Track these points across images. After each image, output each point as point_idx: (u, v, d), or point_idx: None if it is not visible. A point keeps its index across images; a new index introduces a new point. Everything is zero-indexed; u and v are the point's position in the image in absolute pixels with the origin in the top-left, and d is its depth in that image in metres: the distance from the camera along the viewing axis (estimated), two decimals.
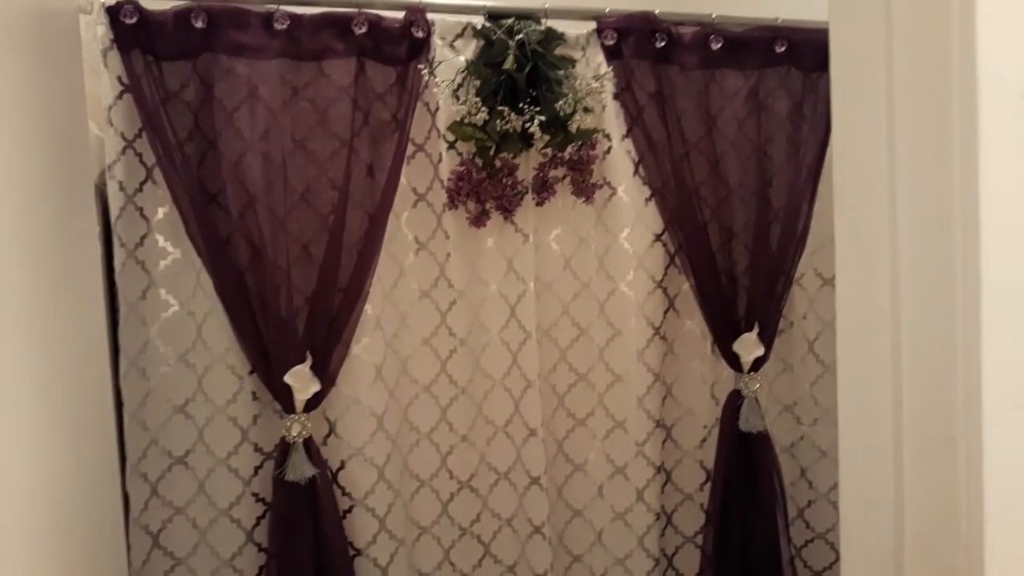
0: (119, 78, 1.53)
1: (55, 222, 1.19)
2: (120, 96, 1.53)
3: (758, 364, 1.87)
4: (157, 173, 1.56)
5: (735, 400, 1.88)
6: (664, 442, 1.90)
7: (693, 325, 1.90)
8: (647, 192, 1.82)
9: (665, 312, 1.88)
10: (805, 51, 1.85)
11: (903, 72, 0.77)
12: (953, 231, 0.74)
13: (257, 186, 1.57)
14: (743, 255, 1.89)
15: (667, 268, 1.87)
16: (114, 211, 1.55)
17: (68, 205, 1.28)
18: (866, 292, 0.84)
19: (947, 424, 0.72)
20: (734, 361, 1.87)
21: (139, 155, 1.57)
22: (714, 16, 1.84)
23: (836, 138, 0.86)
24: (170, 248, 1.60)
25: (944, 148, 0.73)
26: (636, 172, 1.81)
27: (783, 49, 1.85)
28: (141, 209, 1.57)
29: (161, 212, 1.59)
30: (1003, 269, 0.70)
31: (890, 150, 0.80)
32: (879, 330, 0.82)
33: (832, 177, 0.89)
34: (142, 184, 1.57)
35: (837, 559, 1.93)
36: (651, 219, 1.82)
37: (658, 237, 1.84)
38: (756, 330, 1.85)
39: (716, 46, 1.83)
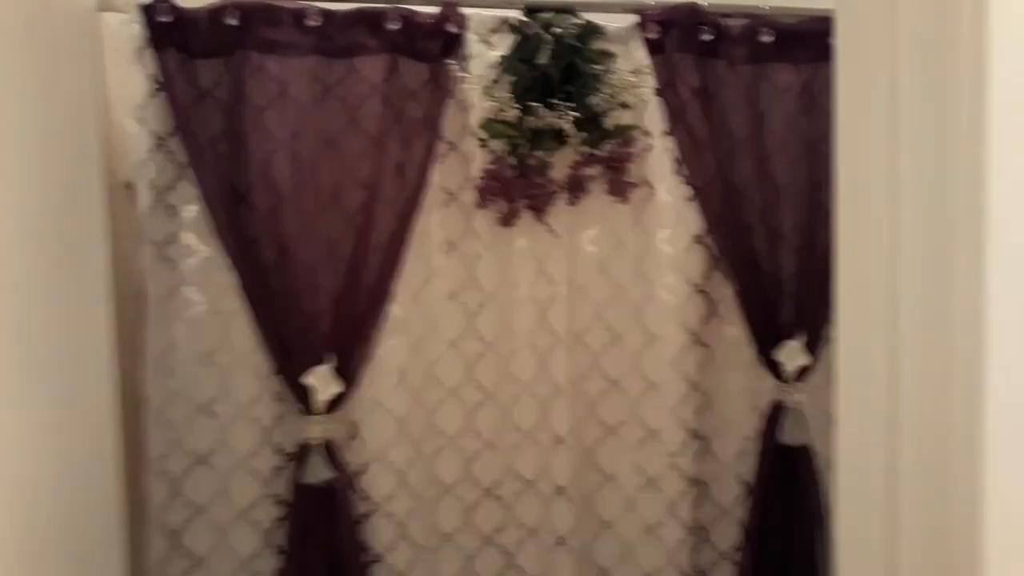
0: (153, 76, 1.53)
1: (50, 218, 1.19)
2: (153, 94, 1.53)
3: (803, 374, 1.78)
4: (188, 172, 1.56)
5: (777, 411, 1.79)
6: (701, 454, 1.82)
7: (735, 332, 1.81)
8: (689, 192, 1.74)
9: (706, 318, 1.80)
10: None
11: (909, 76, 0.73)
12: (955, 241, 0.70)
13: (286, 185, 1.57)
14: (791, 259, 1.79)
15: (710, 272, 1.79)
16: (143, 209, 1.56)
17: (69, 201, 1.28)
18: (864, 295, 0.83)
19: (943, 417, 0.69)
20: (776, 370, 1.78)
21: (171, 153, 1.57)
22: (767, 7, 1.74)
23: (840, 142, 0.84)
24: (199, 246, 1.60)
25: (950, 154, 0.69)
26: (677, 171, 1.73)
27: None
28: (172, 207, 1.58)
29: (191, 210, 1.59)
30: (1007, 274, 0.65)
31: (892, 153, 0.78)
32: (877, 330, 0.83)
33: None
34: (174, 182, 1.58)
35: None
36: (691, 220, 1.74)
37: (699, 239, 1.76)
38: (802, 338, 1.76)
39: (766, 39, 1.74)
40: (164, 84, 1.54)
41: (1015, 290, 0.69)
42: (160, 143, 1.56)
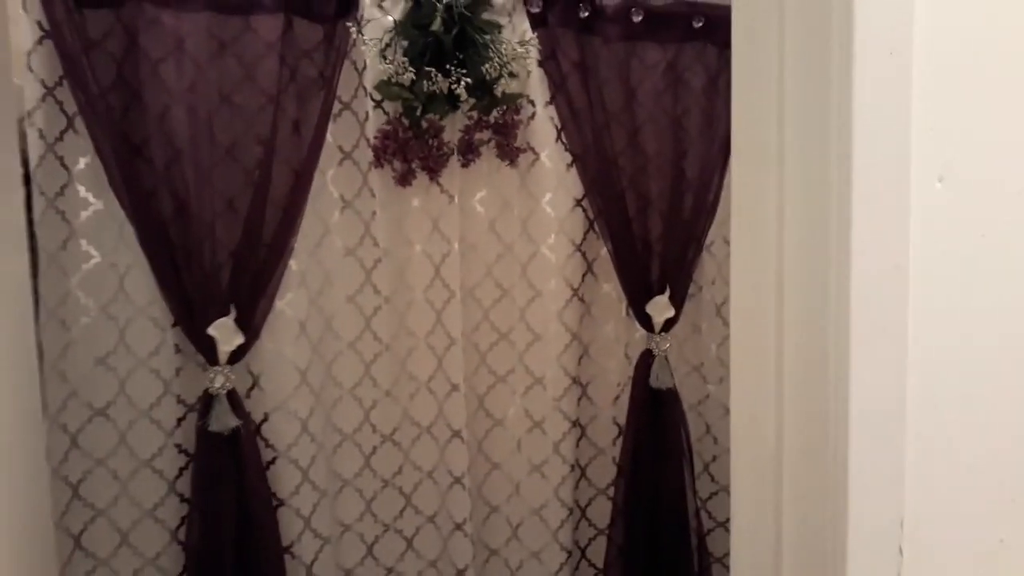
0: (39, 23, 1.50)
1: None
2: (40, 42, 1.50)
3: (669, 325, 1.97)
4: (79, 122, 1.55)
5: (647, 359, 1.98)
6: (580, 399, 1.99)
7: (609, 288, 1.99)
8: (568, 159, 1.89)
9: (583, 275, 1.96)
10: (721, 27, 1.94)
11: (793, 46, 0.84)
12: (830, 201, 0.81)
13: (183, 139, 1.57)
14: (657, 222, 1.97)
15: (586, 233, 1.95)
16: (33, 159, 1.53)
17: None
18: (756, 249, 0.92)
19: (820, 351, 0.81)
20: (646, 322, 1.96)
21: (60, 103, 1.54)
22: None
23: (735, 118, 0.93)
24: (91, 199, 1.58)
25: (824, 121, 0.81)
26: (559, 139, 1.87)
27: (700, 24, 1.93)
28: (62, 158, 1.56)
29: (83, 162, 1.57)
30: (869, 226, 0.78)
31: (780, 122, 0.88)
32: (766, 282, 0.91)
33: None
34: (63, 133, 1.55)
35: None
36: (572, 185, 1.89)
37: (578, 202, 1.91)
38: (668, 293, 1.95)
39: (637, 19, 1.90)
40: (50, 32, 1.51)
41: (875, 238, 0.80)
42: (48, 92, 1.54)
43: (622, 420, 2.00)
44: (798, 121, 0.83)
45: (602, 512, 2.01)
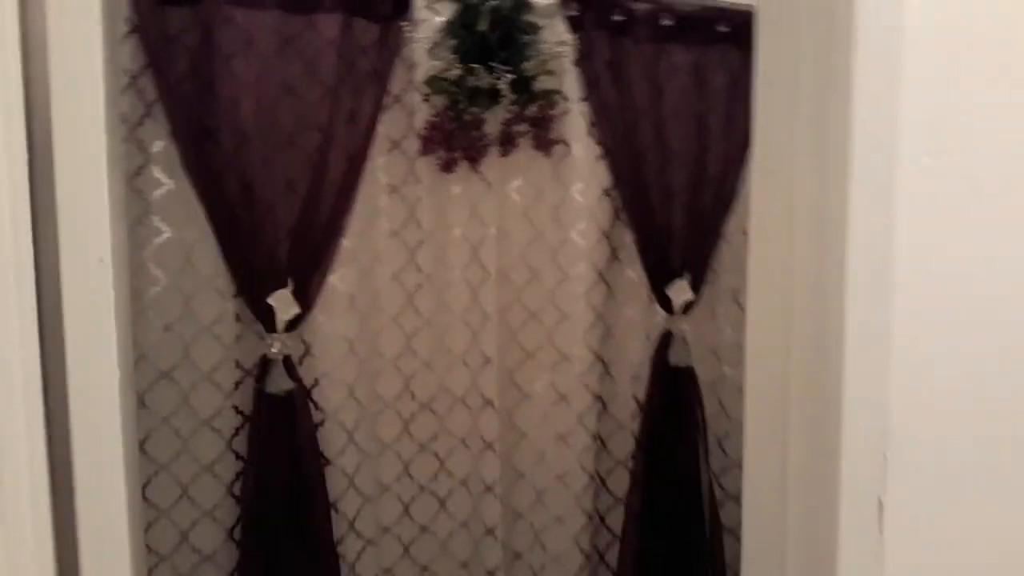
0: (126, 19, 1.65)
1: None
2: (127, 35, 1.66)
3: (687, 308, 2.12)
4: (157, 109, 1.70)
5: (666, 339, 2.12)
6: (602, 376, 2.13)
7: (633, 273, 2.13)
8: (598, 151, 2.03)
9: (609, 260, 2.10)
10: (744, 32, 2.06)
11: (810, 70, 0.99)
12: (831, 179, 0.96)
13: (249, 126, 1.72)
14: (679, 213, 2.11)
15: (613, 221, 2.09)
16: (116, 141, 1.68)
17: None
18: (772, 241, 1.08)
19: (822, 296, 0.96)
20: (667, 305, 2.11)
21: (141, 91, 1.70)
22: None
23: (757, 123, 1.07)
24: (164, 179, 1.74)
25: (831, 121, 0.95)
26: (590, 132, 2.01)
27: (725, 29, 2.06)
28: (140, 141, 1.71)
29: (158, 145, 1.72)
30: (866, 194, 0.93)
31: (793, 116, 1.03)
32: (779, 260, 1.07)
33: None
34: (142, 118, 1.70)
35: None
36: (601, 176, 2.04)
37: (606, 192, 2.05)
38: (687, 278, 2.09)
39: (666, 23, 2.04)
40: (137, 26, 1.67)
41: (871, 205, 0.95)
42: (131, 81, 1.69)
43: (641, 396, 2.15)
44: (811, 116, 0.98)
45: (621, 481, 2.16)
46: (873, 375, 0.96)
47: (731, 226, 2.15)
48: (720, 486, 2.25)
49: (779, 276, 1.05)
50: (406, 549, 1.98)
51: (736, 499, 2.22)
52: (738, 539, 2.22)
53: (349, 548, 1.88)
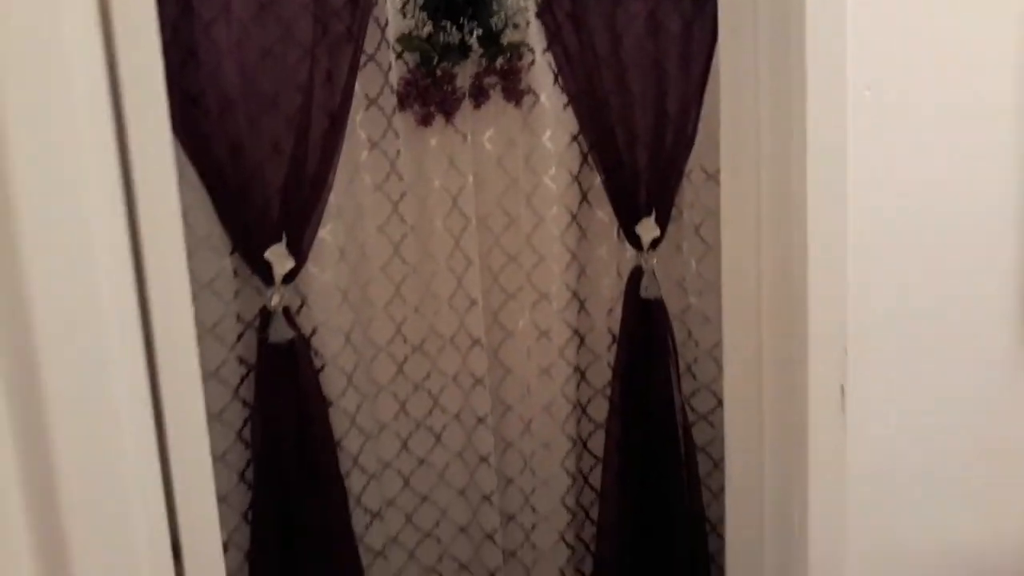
0: None
1: None
2: None
3: (655, 244, 2.26)
4: None
5: (636, 274, 2.27)
6: (579, 312, 2.28)
7: (603, 214, 2.26)
8: (565, 99, 2.14)
9: (580, 202, 2.23)
10: None
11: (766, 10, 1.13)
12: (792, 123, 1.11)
13: (233, 90, 1.79)
14: (643, 154, 2.24)
15: (582, 165, 2.21)
16: None
17: None
18: (741, 178, 1.22)
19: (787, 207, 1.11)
20: (636, 242, 2.25)
21: None
22: None
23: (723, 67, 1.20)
24: None
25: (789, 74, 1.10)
26: (556, 82, 2.13)
27: None
28: None
29: None
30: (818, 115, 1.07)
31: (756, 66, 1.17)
32: (749, 196, 1.21)
33: (718, 87, 1.25)
34: None
35: (719, 405, 2.38)
36: (569, 122, 2.15)
37: (574, 138, 2.17)
38: (654, 215, 2.23)
39: None
40: None
41: (821, 126, 1.11)
42: None
43: (616, 329, 2.30)
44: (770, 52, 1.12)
45: (600, 409, 2.32)
46: (832, 278, 1.11)
47: (691, 164, 2.29)
48: (691, 408, 2.42)
49: (750, 199, 1.19)
50: (406, 481, 2.13)
51: (707, 419, 2.40)
52: (709, 456, 2.41)
53: (354, 482, 2.01)
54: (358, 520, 2.04)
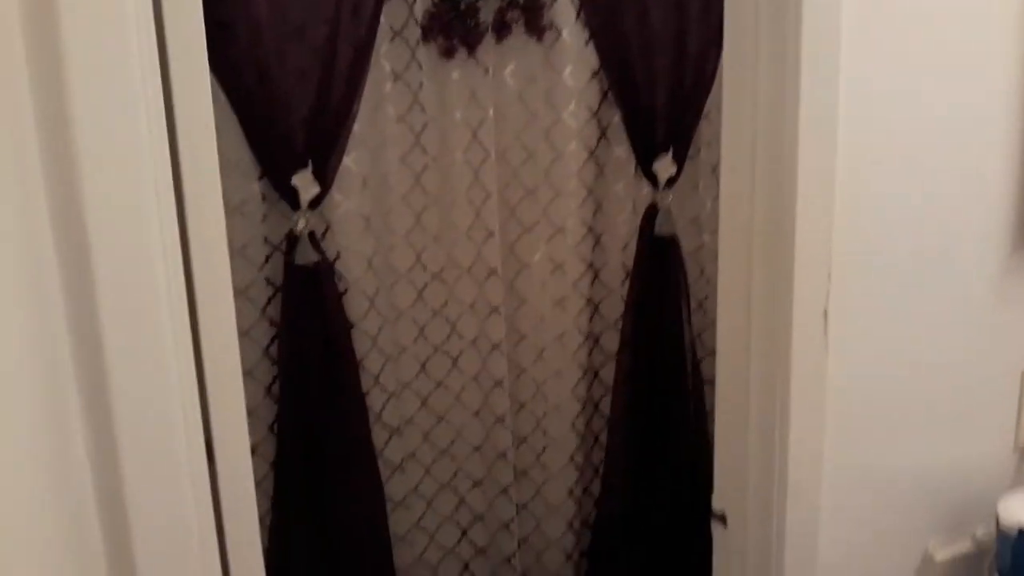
0: None
1: None
2: None
3: (671, 182, 2.30)
4: None
5: (652, 211, 2.32)
6: (594, 246, 2.34)
7: (620, 151, 2.30)
8: (587, 35, 2.17)
9: (599, 139, 2.28)
10: None
11: None
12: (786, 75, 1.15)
13: (262, 20, 1.86)
14: (662, 92, 2.27)
15: (601, 102, 2.25)
16: None
17: None
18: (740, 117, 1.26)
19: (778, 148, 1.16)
20: (652, 179, 2.29)
21: None
22: None
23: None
24: None
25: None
26: (578, 17, 2.15)
27: None
28: None
29: None
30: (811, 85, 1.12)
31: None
32: (747, 118, 1.26)
33: None
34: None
35: None
36: (590, 59, 2.18)
37: (595, 74, 2.21)
38: (671, 153, 2.27)
39: None
40: None
41: (813, 94, 1.16)
42: None
43: (630, 264, 2.36)
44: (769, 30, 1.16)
45: (612, 341, 2.39)
46: (819, 207, 1.17)
47: (710, 104, 2.32)
48: (701, 343, 2.49)
49: (747, 132, 1.24)
50: (424, 401, 2.24)
51: (715, 355, 2.47)
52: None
53: (375, 400, 2.13)
54: (378, 436, 2.16)
